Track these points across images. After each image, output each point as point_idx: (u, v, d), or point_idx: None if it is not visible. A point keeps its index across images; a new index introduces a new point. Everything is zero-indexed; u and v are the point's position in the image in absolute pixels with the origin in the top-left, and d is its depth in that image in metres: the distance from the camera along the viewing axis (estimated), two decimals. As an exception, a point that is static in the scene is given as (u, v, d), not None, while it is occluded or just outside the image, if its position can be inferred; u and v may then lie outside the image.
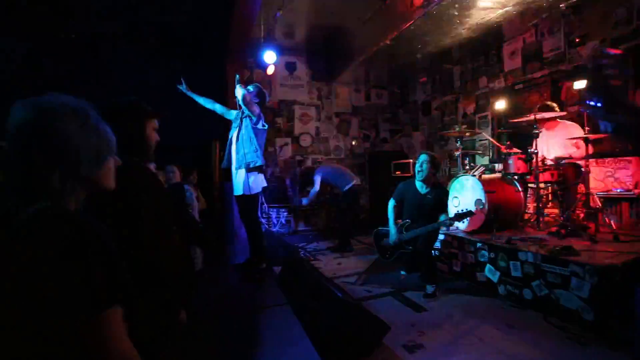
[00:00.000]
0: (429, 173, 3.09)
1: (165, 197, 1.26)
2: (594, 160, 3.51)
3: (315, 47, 6.40)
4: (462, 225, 3.44)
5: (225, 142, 3.61)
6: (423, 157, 3.13)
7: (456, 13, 4.31)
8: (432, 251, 3.24)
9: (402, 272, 3.29)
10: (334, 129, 6.88)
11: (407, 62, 6.14)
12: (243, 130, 3.25)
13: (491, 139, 4.64)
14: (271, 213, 6.35)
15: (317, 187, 4.79)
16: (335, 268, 3.88)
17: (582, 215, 3.27)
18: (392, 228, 3.18)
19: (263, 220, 5.96)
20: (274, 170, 6.40)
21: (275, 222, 6.40)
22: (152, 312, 1.00)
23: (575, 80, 3.67)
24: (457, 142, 4.00)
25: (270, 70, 5.61)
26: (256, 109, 3.23)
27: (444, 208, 3.11)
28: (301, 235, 6.06)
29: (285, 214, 6.45)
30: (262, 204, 5.97)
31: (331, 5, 4.93)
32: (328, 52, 6.54)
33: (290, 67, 6.58)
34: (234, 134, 3.29)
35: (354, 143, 7.03)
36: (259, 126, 3.28)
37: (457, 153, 3.99)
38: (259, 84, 3.45)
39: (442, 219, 2.93)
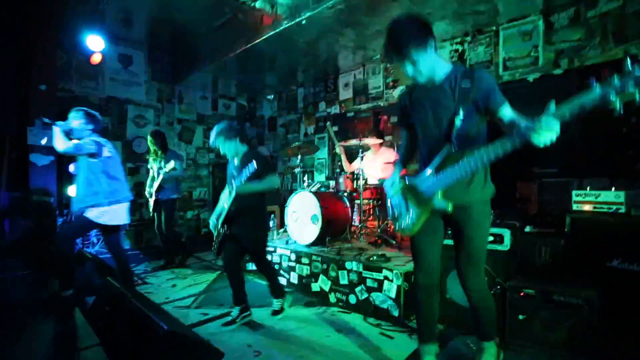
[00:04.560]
0: (232, 148, 2.69)
1: None
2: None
3: (157, 43, 5.75)
4: (298, 237, 3.65)
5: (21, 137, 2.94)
6: (216, 139, 2.69)
7: (301, 40, 4.65)
8: (271, 262, 3.13)
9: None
10: (175, 136, 6.30)
11: (256, 76, 6.24)
12: (80, 171, 2.83)
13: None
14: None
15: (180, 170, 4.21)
16: (168, 291, 3.48)
17: (392, 227, 3.97)
18: (213, 214, 2.76)
19: (77, 240, 4.86)
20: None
21: (95, 241, 5.32)
22: None
23: (391, 115, 4.52)
24: (298, 159, 4.26)
25: (95, 59, 4.73)
26: (92, 146, 2.78)
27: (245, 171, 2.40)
28: (129, 255, 5.22)
29: (110, 230, 5.46)
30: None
31: (179, 2, 4.55)
32: (173, 52, 5.99)
33: (125, 61, 5.70)
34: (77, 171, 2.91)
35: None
36: (104, 155, 2.84)
37: (297, 169, 4.25)
38: (82, 109, 2.94)
39: (235, 184, 2.43)
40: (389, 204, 1.91)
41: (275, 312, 2.81)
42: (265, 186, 2.57)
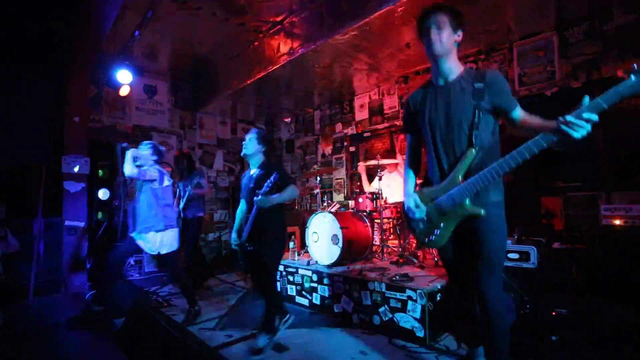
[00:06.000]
0: (254, 148, 2.71)
1: None
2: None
3: (180, 73, 6.08)
4: (319, 257, 3.65)
5: (56, 166, 3.25)
6: (251, 133, 2.76)
7: (317, 65, 4.80)
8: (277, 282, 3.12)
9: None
10: (197, 160, 6.50)
11: (273, 101, 6.43)
12: (142, 195, 3.16)
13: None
14: (116, 253, 5.40)
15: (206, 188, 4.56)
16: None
17: (414, 244, 3.92)
18: (234, 230, 2.78)
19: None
20: (123, 203, 5.54)
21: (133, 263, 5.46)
22: None
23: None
24: (317, 180, 4.32)
25: (123, 92, 5.00)
26: (154, 174, 3.16)
27: (263, 185, 2.48)
28: (154, 277, 5.32)
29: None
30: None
31: (199, 35, 4.82)
32: (194, 81, 6.29)
33: (150, 91, 6.01)
34: (138, 196, 3.21)
35: None
36: (164, 184, 3.23)
37: (316, 190, 4.30)
38: (151, 142, 3.41)
39: (257, 198, 2.46)
40: (409, 219, 1.85)
41: (255, 351, 2.48)
42: (286, 197, 2.60)
